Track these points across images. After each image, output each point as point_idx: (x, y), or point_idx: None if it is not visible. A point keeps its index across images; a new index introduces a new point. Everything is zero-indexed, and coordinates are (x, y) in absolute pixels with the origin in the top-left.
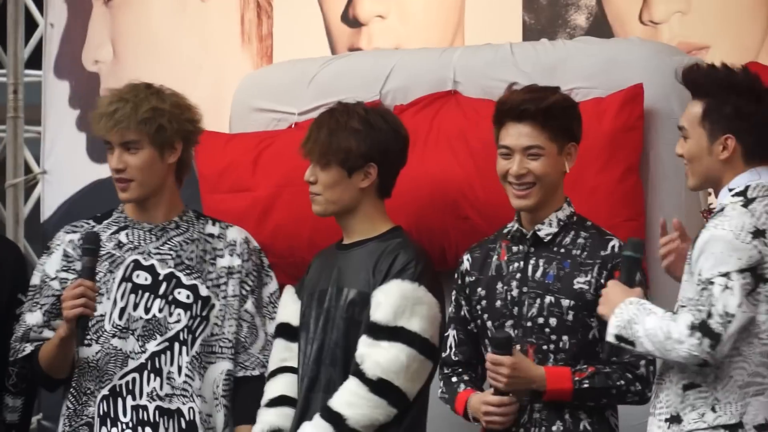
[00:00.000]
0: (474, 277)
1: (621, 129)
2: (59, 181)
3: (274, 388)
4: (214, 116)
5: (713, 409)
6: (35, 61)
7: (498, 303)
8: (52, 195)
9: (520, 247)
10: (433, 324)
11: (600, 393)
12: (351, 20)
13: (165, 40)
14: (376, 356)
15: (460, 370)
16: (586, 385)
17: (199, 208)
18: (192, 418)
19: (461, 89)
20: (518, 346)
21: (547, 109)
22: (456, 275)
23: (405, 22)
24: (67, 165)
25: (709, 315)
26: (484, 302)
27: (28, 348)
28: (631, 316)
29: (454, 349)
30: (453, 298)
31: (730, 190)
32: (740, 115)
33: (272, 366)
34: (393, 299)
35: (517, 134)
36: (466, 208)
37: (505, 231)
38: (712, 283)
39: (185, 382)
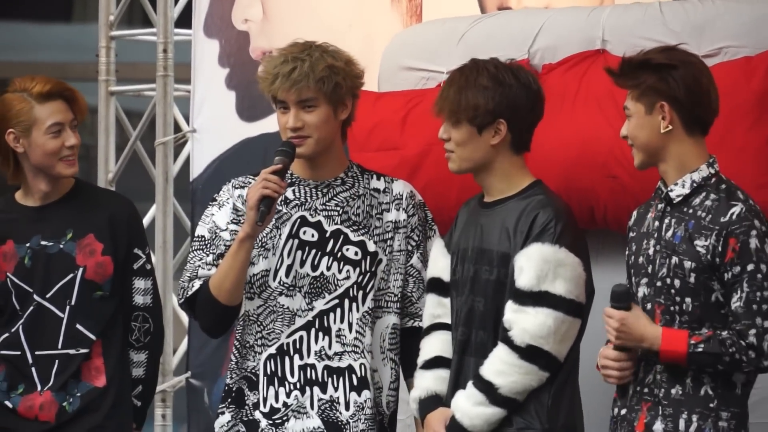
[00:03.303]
0: (634, 233)
1: None
2: (208, 139)
3: (430, 347)
4: None
5: None
6: (185, 20)
7: (639, 259)
8: (201, 153)
9: (661, 205)
10: (577, 284)
11: (715, 359)
12: None
13: None
14: (523, 323)
15: None
16: (700, 350)
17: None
18: (363, 374)
19: (610, 48)
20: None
21: (619, 71)
22: None
23: None
24: (216, 123)
25: None
26: (632, 258)
27: (197, 283)
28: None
29: None
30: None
31: None
32: None
33: (426, 322)
34: (534, 264)
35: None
36: (615, 168)
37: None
38: None
39: (356, 338)
